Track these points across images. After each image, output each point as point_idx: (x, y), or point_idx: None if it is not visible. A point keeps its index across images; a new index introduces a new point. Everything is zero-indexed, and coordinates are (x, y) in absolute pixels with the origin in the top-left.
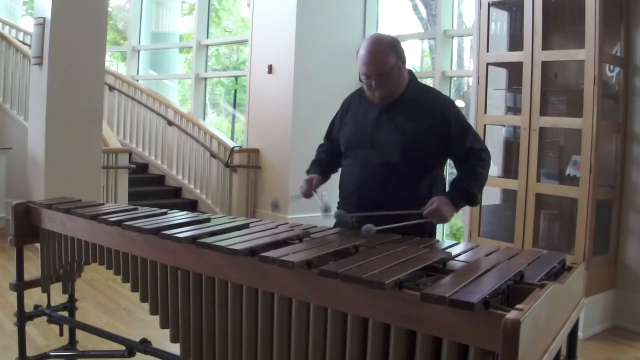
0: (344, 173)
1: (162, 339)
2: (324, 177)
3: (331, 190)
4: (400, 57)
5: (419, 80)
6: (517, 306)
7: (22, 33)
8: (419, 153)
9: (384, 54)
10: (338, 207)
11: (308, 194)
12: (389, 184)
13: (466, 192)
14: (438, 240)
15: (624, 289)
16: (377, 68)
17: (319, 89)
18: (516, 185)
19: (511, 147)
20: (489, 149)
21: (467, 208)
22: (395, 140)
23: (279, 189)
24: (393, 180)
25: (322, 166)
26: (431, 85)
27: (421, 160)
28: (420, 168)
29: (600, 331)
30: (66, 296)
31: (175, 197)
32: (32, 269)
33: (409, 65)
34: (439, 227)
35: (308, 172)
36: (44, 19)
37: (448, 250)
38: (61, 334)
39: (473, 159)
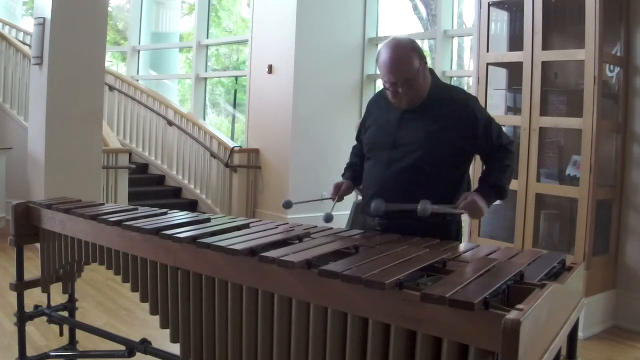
0: (367, 175)
1: (162, 339)
2: (356, 181)
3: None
4: (423, 58)
5: (438, 77)
6: (517, 306)
7: (22, 33)
8: (442, 154)
9: (408, 58)
10: (361, 211)
11: (333, 197)
12: (411, 185)
13: (496, 186)
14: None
15: (624, 289)
16: (404, 74)
17: (319, 89)
18: (516, 185)
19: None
20: None
21: None
22: (419, 141)
23: (279, 189)
24: (415, 182)
25: (355, 171)
26: None
27: (445, 161)
28: (445, 169)
29: (600, 331)
30: (66, 296)
31: (175, 197)
32: (32, 269)
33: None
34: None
35: (343, 175)
36: (44, 19)
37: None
38: (61, 334)
39: (501, 154)
